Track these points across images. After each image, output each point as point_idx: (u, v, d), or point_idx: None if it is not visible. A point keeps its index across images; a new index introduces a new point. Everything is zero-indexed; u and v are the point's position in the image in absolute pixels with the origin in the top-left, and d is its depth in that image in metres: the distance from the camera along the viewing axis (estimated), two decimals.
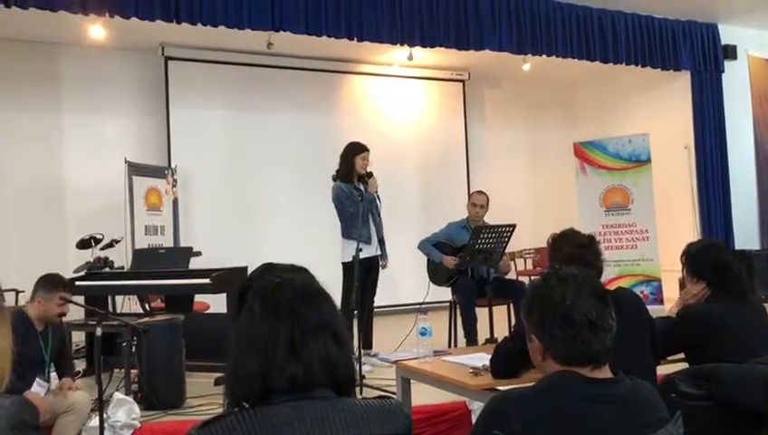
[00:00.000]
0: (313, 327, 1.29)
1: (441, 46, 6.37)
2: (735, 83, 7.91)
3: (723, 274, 2.64)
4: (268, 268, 1.40)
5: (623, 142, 7.66)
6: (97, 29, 6.54)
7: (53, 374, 3.59)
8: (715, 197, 7.63)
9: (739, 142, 7.90)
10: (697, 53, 7.58)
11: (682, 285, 3.00)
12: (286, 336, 1.27)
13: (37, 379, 3.46)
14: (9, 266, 5.76)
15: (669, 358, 2.76)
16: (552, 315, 1.55)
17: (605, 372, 1.56)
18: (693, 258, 2.75)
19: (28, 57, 7.03)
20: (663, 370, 2.63)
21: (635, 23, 7.17)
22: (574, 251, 2.44)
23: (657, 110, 8.26)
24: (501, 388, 2.25)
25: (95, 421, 3.32)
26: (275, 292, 1.31)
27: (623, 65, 7.20)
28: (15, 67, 6.95)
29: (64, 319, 3.85)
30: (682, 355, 2.72)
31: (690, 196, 7.82)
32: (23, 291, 5.56)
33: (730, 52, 7.87)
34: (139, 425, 3.52)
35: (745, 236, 7.76)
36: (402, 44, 6.46)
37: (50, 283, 3.60)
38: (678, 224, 7.86)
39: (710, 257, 2.69)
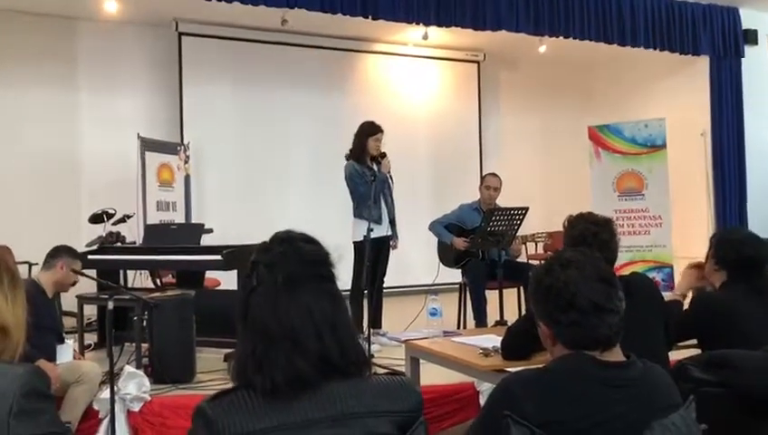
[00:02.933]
0: (315, 321, 1.28)
1: (457, 26, 6.30)
2: (755, 69, 7.77)
3: (747, 272, 2.58)
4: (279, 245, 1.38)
5: (639, 127, 7.57)
6: (111, 2, 6.52)
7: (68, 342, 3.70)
8: (730, 184, 7.54)
9: (757, 130, 7.78)
10: (717, 38, 7.45)
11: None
12: (289, 329, 1.26)
13: (65, 343, 3.63)
14: (23, 239, 5.80)
15: (681, 344, 2.74)
16: (557, 302, 1.54)
17: (616, 355, 1.55)
18: (729, 248, 2.65)
19: (43, 31, 7.02)
20: (675, 355, 2.62)
21: (654, 5, 7.05)
22: (588, 228, 2.42)
23: (675, 95, 8.15)
24: (510, 369, 2.25)
25: (106, 393, 3.35)
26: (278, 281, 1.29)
27: (641, 49, 7.10)
28: (30, 41, 6.94)
29: (78, 292, 3.92)
30: (694, 341, 2.70)
31: (705, 183, 7.74)
32: (36, 263, 5.62)
33: (751, 36, 7.73)
34: (149, 398, 3.55)
35: (760, 224, 7.67)
36: (417, 23, 6.40)
37: (73, 252, 3.76)
38: (692, 211, 7.78)
39: (745, 252, 2.59)
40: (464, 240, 5.28)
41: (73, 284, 3.79)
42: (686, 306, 2.79)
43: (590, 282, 1.53)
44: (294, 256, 1.32)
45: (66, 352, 3.59)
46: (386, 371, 3.97)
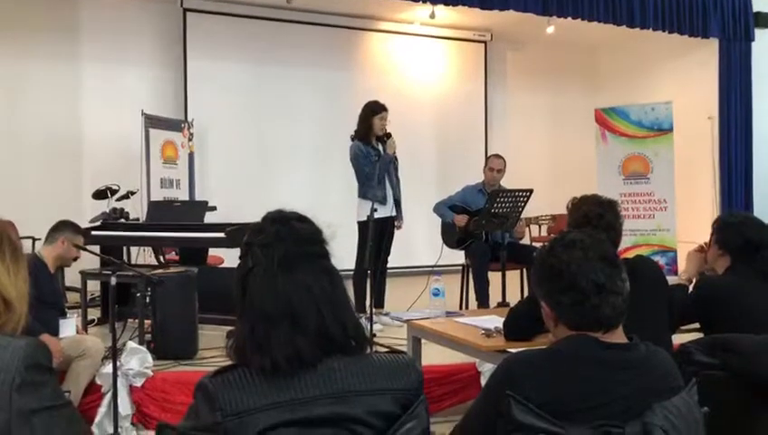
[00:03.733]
0: (314, 298, 1.28)
1: (464, 5, 6.23)
2: (765, 53, 7.68)
3: (751, 254, 2.58)
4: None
5: (646, 110, 7.52)
6: None
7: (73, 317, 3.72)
8: (736, 169, 7.49)
9: (765, 114, 7.71)
10: (727, 20, 7.35)
11: None
12: (288, 307, 1.26)
13: (68, 318, 3.64)
14: (26, 214, 5.79)
15: (685, 327, 2.74)
16: (559, 282, 1.53)
17: (619, 336, 1.54)
18: (725, 230, 2.67)
19: (47, 5, 6.97)
20: (679, 339, 2.62)
21: None
22: (593, 210, 2.41)
23: (682, 78, 8.07)
24: (512, 350, 2.25)
25: (108, 368, 3.37)
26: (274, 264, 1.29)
27: (650, 30, 7.01)
28: (34, 15, 6.90)
29: (81, 268, 3.92)
30: (697, 325, 2.70)
31: (711, 167, 7.69)
32: (39, 239, 5.62)
33: (761, 19, 7.62)
34: (151, 373, 3.57)
35: (766, 210, 7.64)
36: (425, 2, 6.35)
37: (75, 227, 3.78)
38: (698, 195, 7.74)
39: (747, 235, 2.60)
40: (463, 217, 5.28)
41: (75, 259, 3.80)
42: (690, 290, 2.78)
43: (592, 262, 1.51)
44: (289, 235, 1.31)
45: (69, 326, 3.61)
46: (386, 349, 3.98)
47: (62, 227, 3.73)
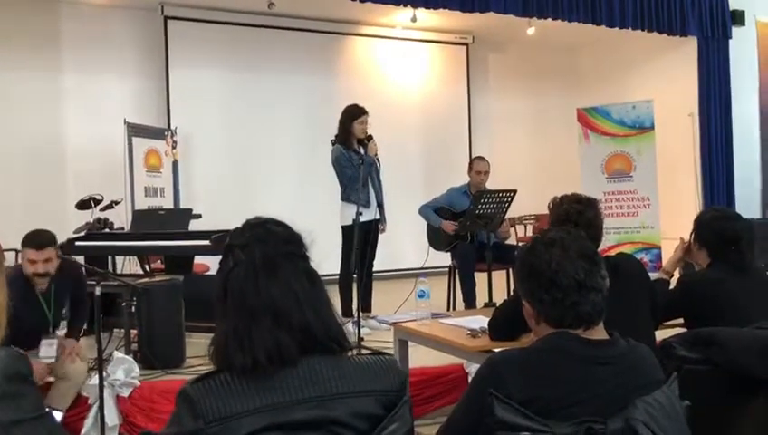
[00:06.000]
0: (297, 296, 1.28)
1: (445, 8, 6.26)
2: (743, 50, 7.78)
3: (726, 248, 2.61)
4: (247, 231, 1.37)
5: (627, 109, 7.58)
6: None
7: (56, 337, 3.51)
8: (718, 165, 7.57)
9: (744, 110, 7.82)
10: (705, 19, 7.44)
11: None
12: (271, 302, 1.26)
13: (45, 340, 3.41)
14: (9, 227, 5.73)
15: (668, 323, 2.77)
16: (540, 280, 1.55)
17: (600, 333, 1.56)
18: (702, 226, 2.71)
19: (27, 15, 6.92)
20: (662, 334, 2.64)
21: None
22: (573, 207, 2.43)
23: (663, 76, 8.15)
24: (498, 350, 2.26)
25: (95, 380, 3.34)
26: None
27: (629, 30, 7.08)
28: (15, 25, 6.85)
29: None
30: (681, 320, 2.72)
31: (693, 164, 7.76)
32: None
33: (738, 17, 7.72)
34: (138, 383, 3.55)
35: (748, 204, 7.72)
36: (406, 5, 6.36)
37: (25, 238, 3.44)
38: (680, 192, 7.82)
39: (719, 229, 2.64)
40: (452, 223, 5.29)
41: (35, 275, 3.41)
42: (673, 285, 2.81)
43: (572, 260, 1.53)
44: (268, 236, 1.32)
45: (50, 348, 3.41)
46: (369, 351, 3.98)
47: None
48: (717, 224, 2.66)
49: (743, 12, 7.76)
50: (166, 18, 7.40)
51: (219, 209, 6.79)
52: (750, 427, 2.10)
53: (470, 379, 3.65)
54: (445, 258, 5.58)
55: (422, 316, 3.08)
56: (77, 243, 4.86)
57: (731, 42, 7.67)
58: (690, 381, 1.84)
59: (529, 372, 1.47)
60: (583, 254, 1.55)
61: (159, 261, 5.77)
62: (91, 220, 5.71)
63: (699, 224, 2.74)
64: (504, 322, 2.46)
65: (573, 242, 1.57)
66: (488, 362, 1.55)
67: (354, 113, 4.98)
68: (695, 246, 2.74)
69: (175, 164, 7.26)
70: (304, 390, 1.23)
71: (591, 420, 1.41)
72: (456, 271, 5.36)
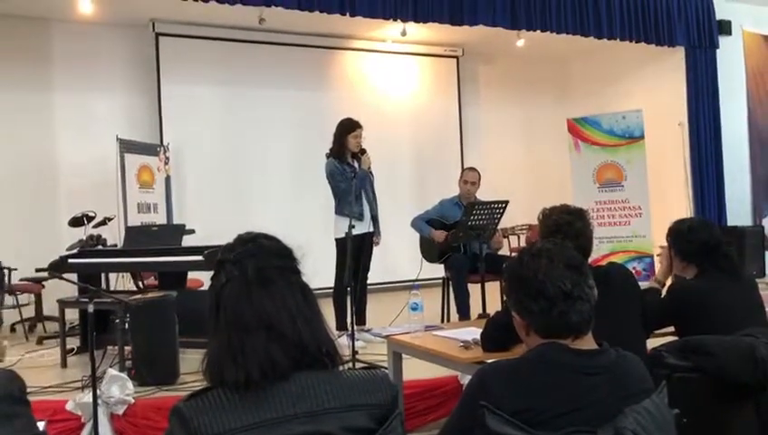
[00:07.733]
0: (290, 311, 1.29)
1: (435, 21, 6.32)
2: (730, 59, 7.87)
3: (713, 255, 2.63)
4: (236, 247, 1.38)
5: (617, 118, 7.65)
6: (86, 3, 6.44)
7: None
8: (708, 173, 7.64)
9: (733, 119, 7.90)
10: (692, 29, 7.53)
11: None
12: (264, 316, 1.27)
13: None
14: (2, 244, 5.74)
15: (659, 332, 2.78)
16: (527, 291, 1.57)
17: (588, 343, 1.57)
18: (681, 240, 2.70)
19: (17, 32, 6.94)
20: (653, 343, 2.65)
21: None
22: (562, 218, 2.45)
23: (651, 86, 8.23)
24: (490, 361, 2.27)
25: (89, 397, 3.34)
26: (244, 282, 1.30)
27: (617, 41, 7.16)
28: (6, 43, 6.86)
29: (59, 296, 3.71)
30: (671, 329, 2.74)
31: (683, 172, 7.83)
32: (15, 269, 5.57)
33: (725, 27, 7.82)
34: (132, 401, 3.53)
35: (738, 212, 7.79)
36: (395, 20, 6.40)
37: None
38: (671, 200, 7.87)
39: (700, 239, 2.64)
40: (442, 232, 5.31)
41: None
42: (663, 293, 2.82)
43: (558, 270, 1.55)
44: (260, 251, 1.33)
45: None
46: (363, 365, 3.98)
47: None
48: (695, 235, 2.66)
49: (729, 22, 7.86)
50: (157, 35, 7.43)
51: (212, 225, 6.81)
52: (739, 434, 2.11)
53: None
54: (439, 270, 5.59)
55: (415, 329, 3.09)
56: (70, 260, 4.86)
57: (718, 51, 7.77)
58: (680, 389, 1.86)
59: (518, 383, 1.48)
60: (570, 264, 1.57)
61: (153, 277, 5.77)
62: (84, 237, 5.71)
63: (676, 239, 2.73)
64: (497, 332, 2.48)
65: (560, 253, 1.59)
66: (478, 374, 1.56)
67: (348, 127, 5.01)
68: (677, 260, 2.73)
69: (167, 180, 7.27)
70: (296, 405, 1.24)
71: (582, 430, 1.43)
72: (450, 282, 5.37)
